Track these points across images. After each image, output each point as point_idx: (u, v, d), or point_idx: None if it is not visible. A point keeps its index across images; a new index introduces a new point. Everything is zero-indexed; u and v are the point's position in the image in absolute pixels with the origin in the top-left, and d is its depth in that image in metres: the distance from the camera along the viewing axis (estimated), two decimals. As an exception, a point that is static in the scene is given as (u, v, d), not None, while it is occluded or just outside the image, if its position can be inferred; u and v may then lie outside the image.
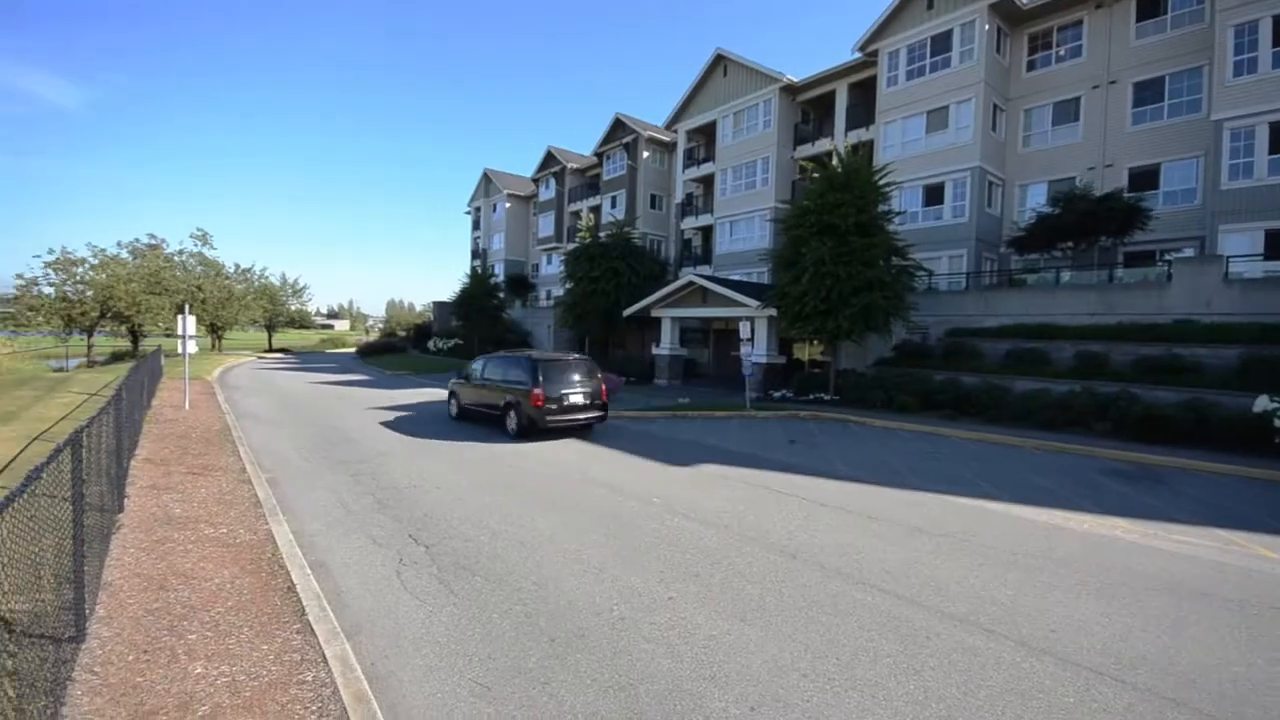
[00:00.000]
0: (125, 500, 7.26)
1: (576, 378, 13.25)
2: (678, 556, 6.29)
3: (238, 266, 48.92)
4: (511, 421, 13.09)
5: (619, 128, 39.84)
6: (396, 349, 48.23)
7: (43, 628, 3.63)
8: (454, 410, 15.71)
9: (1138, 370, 15.29)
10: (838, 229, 18.04)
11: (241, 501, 7.73)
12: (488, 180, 55.42)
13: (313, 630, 4.49)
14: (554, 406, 12.68)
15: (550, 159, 47.85)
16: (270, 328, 57.31)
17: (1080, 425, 14.25)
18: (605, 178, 41.46)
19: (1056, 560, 6.39)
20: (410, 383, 25.94)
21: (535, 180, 50.41)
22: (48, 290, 33.60)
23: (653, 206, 39.07)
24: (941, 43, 23.47)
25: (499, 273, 50.48)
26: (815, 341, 24.47)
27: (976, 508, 8.35)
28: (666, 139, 37.98)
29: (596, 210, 42.28)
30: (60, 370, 30.11)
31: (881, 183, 18.90)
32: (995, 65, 22.82)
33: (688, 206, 36.08)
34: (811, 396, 19.72)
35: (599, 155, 41.78)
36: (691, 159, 35.14)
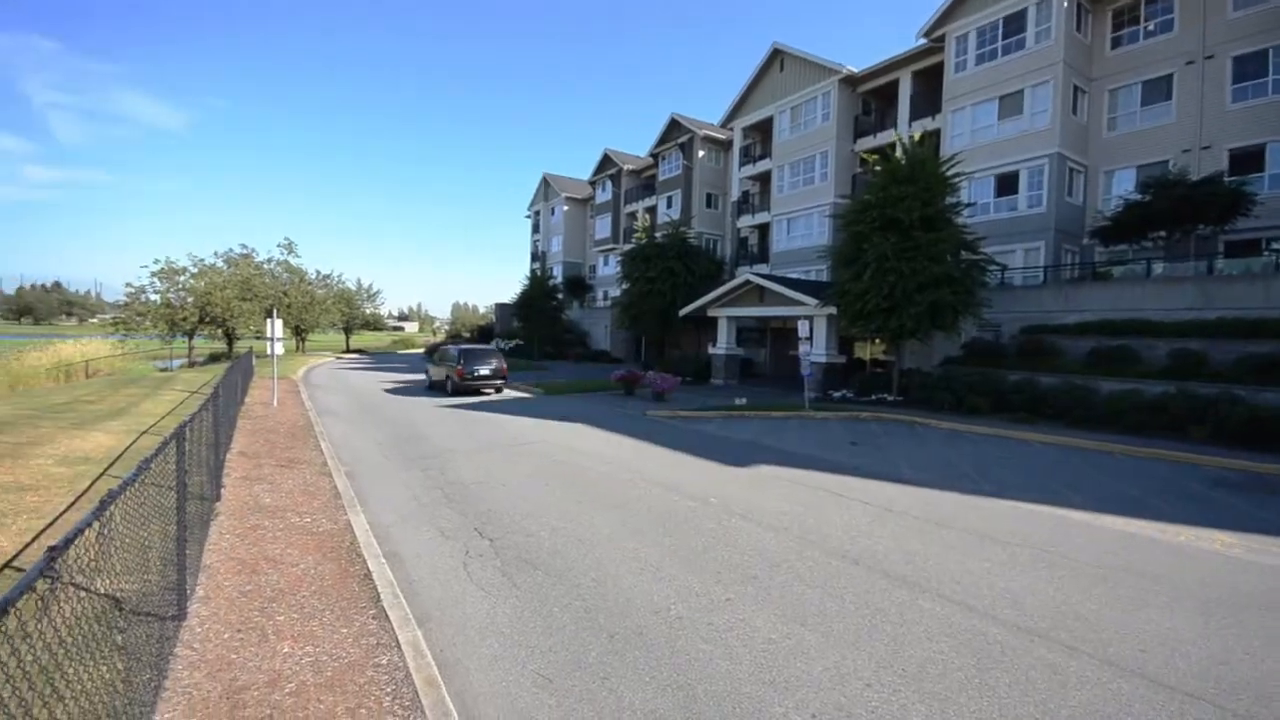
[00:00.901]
0: (222, 490, 7.87)
1: (486, 361, 21.32)
2: (735, 558, 6.25)
3: (319, 273, 51.99)
4: (448, 385, 21.15)
5: (674, 128, 39.83)
6: (462, 349, 49.70)
7: (149, 606, 3.99)
8: (428, 383, 23.49)
9: (1241, 369, 13.97)
10: (901, 223, 17.40)
11: (323, 493, 8.24)
12: (546, 184, 56.63)
13: (387, 616, 4.74)
14: (470, 376, 20.60)
15: (606, 161, 48.39)
16: (348, 330, 60.61)
17: (1175, 430, 13.18)
18: (661, 178, 41.54)
19: (1148, 574, 5.94)
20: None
21: (592, 183, 51.14)
22: (154, 297, 36.87)
23: (708, 206, 38.84)
24: (1015, 23, 22.21)
25: (557, 274, 51.44)
26: (877, 340, 23.69)
27: (1056, 516, 7.87)
28: (722, 137, 37.66)
29: (652, 211, 42.42)
30: (165, 370, 32.98)
31: (949, 174, 18.08)
32: (1075, 44, 21.39)
33: (744, 205, 35.65)
34: (874, 397, 19.10)
35: (654, 156, 41.90)
36: (747, 156, 34.70)
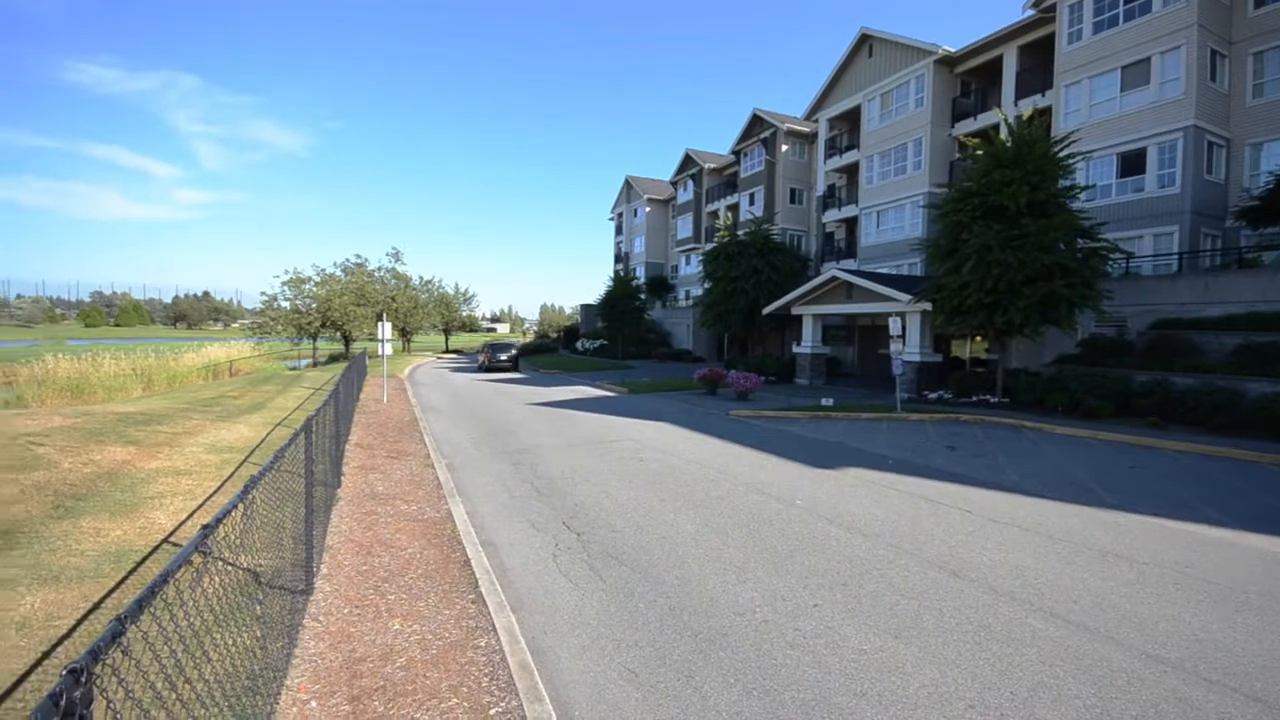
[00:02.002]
0: (342, 477, 8.65)
1: (505, 351, 33.51)
2: (823, 563, 6.08)
3: (421, 278, 55.80)
4: (482, 365, 33.31)
5: (756, 123, 39.12)
6: (549, 349, 51.85)
7: (282, 581, 4.46)
8: (477, 366, 34.82)
9: None
10: (1006, 210, 16.13)
11: (427, 483, 8.86)
12: (629, 187, 57.42)
13: (484, 601, 5.02)
14: (493, 360, 32.48)
15: (688, 161, 48.36)
16: (447, 331, 64.61)
17: (1349, 438, 11.38)
18: (743, 175, 40.95)
19: (1312, 604, 5.19)
20: (561, 380, 27.69)
21: (673, 183, 51.27)
22: (284, 304, 41.15)
23: (792, 201, 37.84)
24: (1141, -15, 19.99)
25: (640, 275, 52.02)
26: (978, 338, 22.12)
27: (1192, 534, 7.03)
28: (806, 130, 36.56)
29: (734, 209, 41.92)
30: (294, 369, 36.80)
31: (1063, 154, 16.57)
32: (1212, 3, 18.93)
33: (829, 198, 34.42)
34: (974, 398, 17.86)
35: (736, 153, 41.36)
36: (833, 148, 33.47)
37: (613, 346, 41.83)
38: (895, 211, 29.05)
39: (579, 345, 48.68)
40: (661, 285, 52.05)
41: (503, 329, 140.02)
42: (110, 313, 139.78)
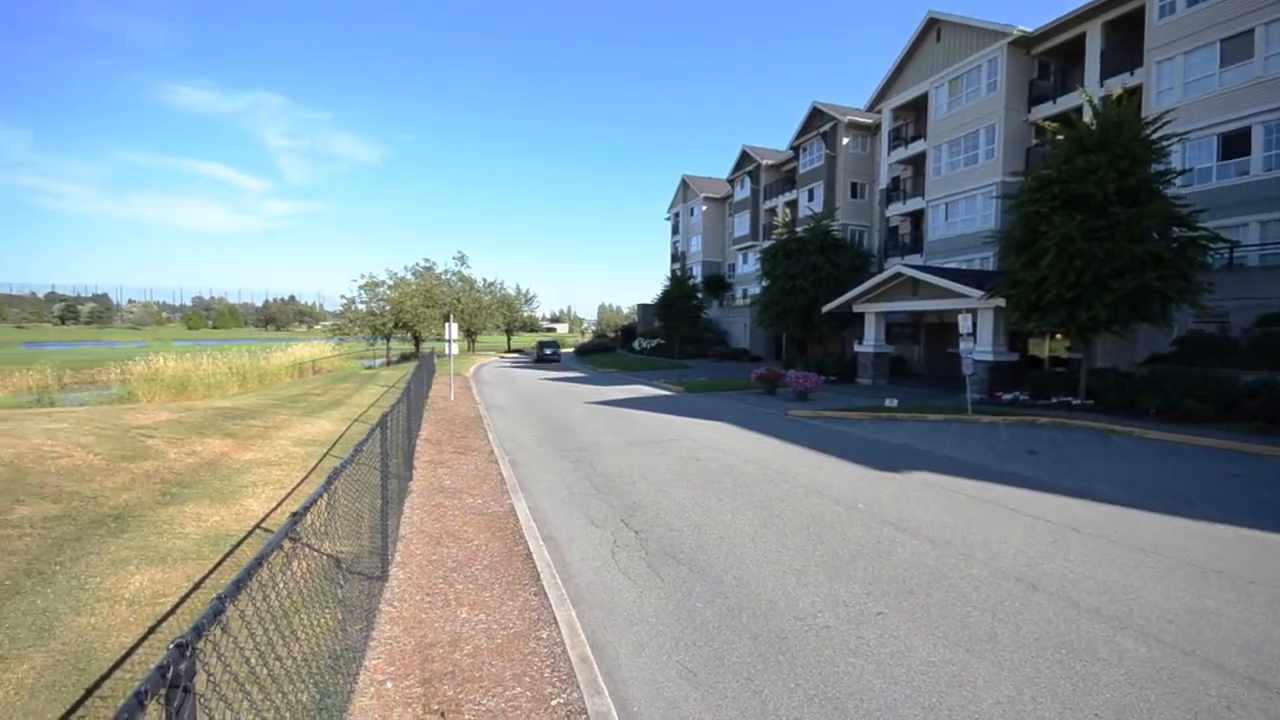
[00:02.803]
0: (413, 471, 9.08)
1: (550, 347, 41.49)
2: (887, 569, 5.89)
3: (485, 281, 57.73)
4: (535, 359, 41.93)
5: (816, 116, 38.19)
6: (607, 348, 52.55)
7: (360, 567, 4.73)
8: (531, 360, 41.51)
9: None
10: (1091, 199, 15.07)
11: (491, 478, 9.18)
12: (685, 186, 57.30)
13: (545, 594, 5.16)
14: (540, 354, 41.11)
15: (745, 158, 47.75)
16: (508, 331, 66.64)
17: None
18: (801, 170, 40.06)
19: None
20: (618, 380, 27.96)
21: (730, 181, 50.74)
22: (360, 307, 43.48)
23: (854, 195, 36.71)
24: (1248, -52, 18.21)
25: (697, 274, 51.89)
26: (1058, 336, 20.79)
27: (1312, 550, 6.37)
28: (868, 121, 35.38)
29: (793, 205, 41.09)
30: (369, 368, 38.84)
31: (1156, 136, 15.33)
32: (1341, -39, 17.03)
33: (894, 192, 33.17)
34: (1053, 400, 16.80)
35: (794, 148, 40.51)
36: (898, 139, 32.23)
37: (669, 346, 41.87)
38: (965, 203, 27.68)
39: (636, 345, 49.05)
40: (718, 284, 51.68)
41: (561, 329, 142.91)
42: (209, 316, 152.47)
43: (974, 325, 16.61)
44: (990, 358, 18.98)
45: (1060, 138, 16.42)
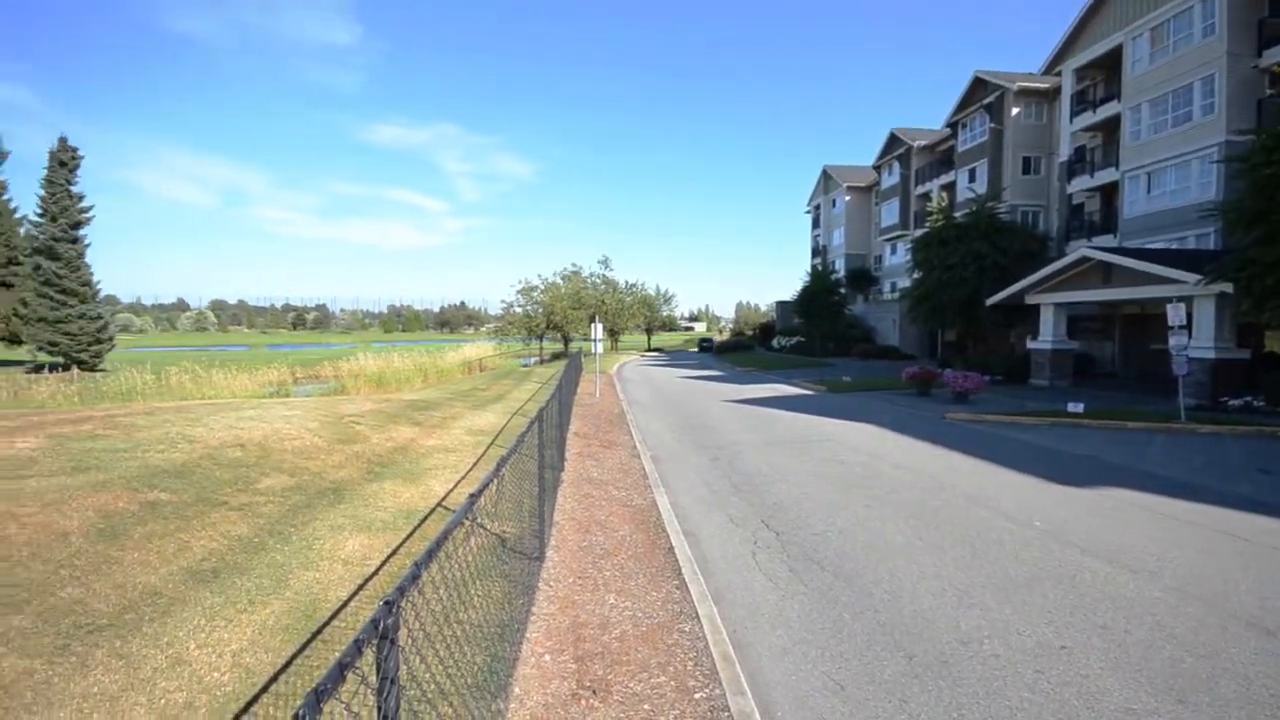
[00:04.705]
0: (565, 462, 9.76)
1: (708, 340, 57.36)
2: (1072, 598, 5.19)
3: (627, 282, 60.07)
4: (699, 349, 57.46)
5: (978, 87, 34.39)
6: (744, 347, 52.18)
7: (521, 548, 5.19)
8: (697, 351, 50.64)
9: None
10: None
11: (634, 472, 9.58)
12: (826, 177, 54.83)
13: (687, 589, 5.27)
14: (703, 346, 55.73)
15: (893, 141, 44.43)
16: (649, 331, 68.79)
17: None
18: (960, 149, 36.35)
19: None
20: (757, 378, 27.56)
21: (876, 167, 47.54)
22: (518, 310, 47.48)
23: (1025, 172, 32.52)
24: None
25: (839, 268, 49.51)
26: (1313, 328, 16.80)
27: None
28: (1044, 86, 31.11)
29: (950, 188, 37.48)
30: (525, 366, 42.41)
31: None
32: None
33: (1077, 164, 28.82)
34: (1306, 408, 13.61)
35: (952, 125, 36.87)
36: (1083, 103, 27.94)
37: (810, 343, 40.37)
38: (1175, 170, 23.28)
39: (775, 343, 48.01)
40: (863, 278, 48.80)
41: (699, 328, 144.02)
42: (400, 320, 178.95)
43: (1187, 316, 13.94)
44: (1211, 355, 15.83)
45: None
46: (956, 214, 27.84)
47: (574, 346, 48.13)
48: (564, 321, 46.31)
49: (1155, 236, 23.52)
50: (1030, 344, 22.52)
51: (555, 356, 48.77)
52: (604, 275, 53.95)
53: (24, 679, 3.54)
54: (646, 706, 3.71)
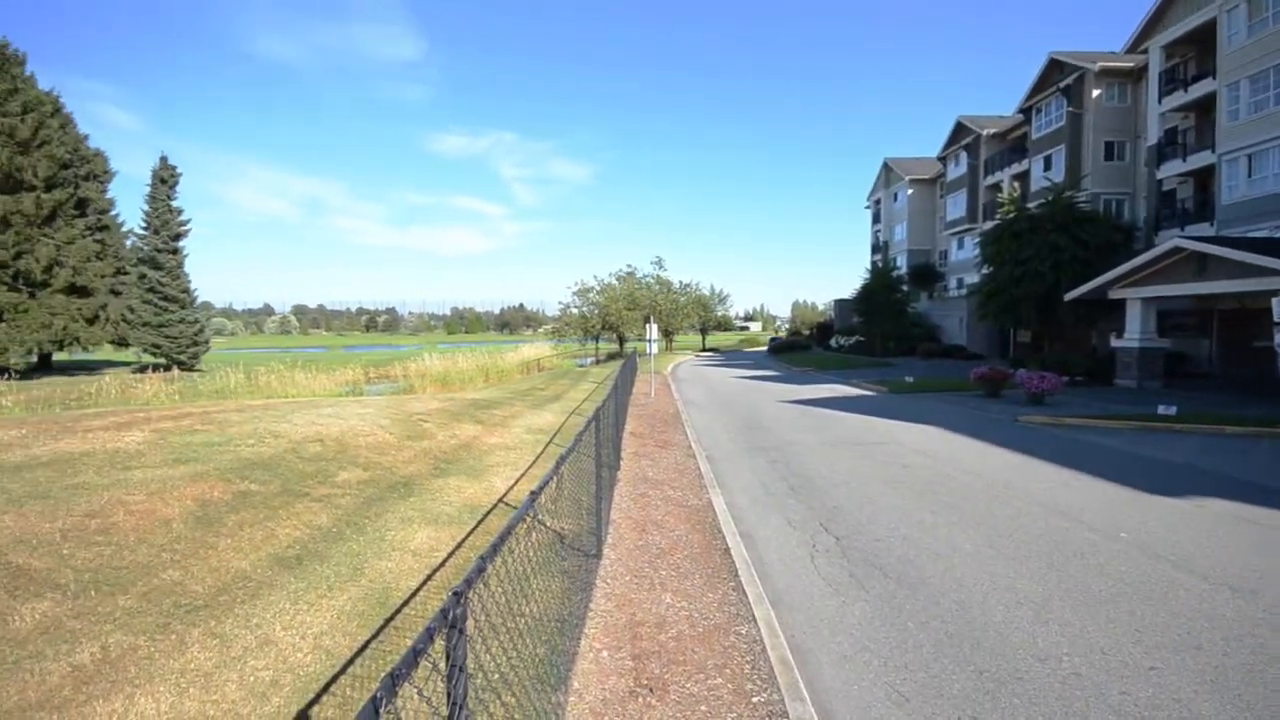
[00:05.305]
0: (620, 461, 9.87)
1: (778, 338, 57.91)
2: (1162, 616, 4.83)
3: (681, 283, 60.02)
4: (770, 351, 51.08)
5: (1054, 70, 32.39)
6: (801, 346, 51.23)
7: (579, 545, 5.28)
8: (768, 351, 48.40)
9: None
10: None
11: (690, 472, 9.56)
12: (887, 170, 53.01)
13: (744, 591, 5.23)
14: (773, 344, 54.66)
15: (960, 130, 42.44)
16: (703, 330, 68.53)
17: None
18: (1034, 136, 34.33)
19: None
20: (814, 379, 26.96)
21: (941, 159, 45.53)
22: (574, 311, 48.30)
23: (1108, 158, 30.37)
24: None
25: (901, 265, 47.80)
26: None
27: None
28: (1127, 65, 28.97)
29: (1022, 178, 35.49)
30: (581, 366, 43.19)
31: None
32: None
33: (1168, 147, 26.67)
34: None
35: (1025, 111, 34.88)
36: (1173, 81, 25.83)
37: (870, 343, 39.13)
38: (1283, 152, 21.20)
39: (833, 342, 46.88)
40: (927, 274, 46.89)
41: (754, 327, 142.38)
42: (462, 322, 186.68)
43: (1299, 312, 12.65)
44: (1328, 354, 14.31)
45: None
46: (1030, 205, 26.30)
47: (629, 347, 48.50)
48: (619, 322, 46.88)
49: (1258, 224, 21.47)
50: (1115, 342, 21.03)
51: (610, 357, 49.30)
52: (658, 275, 54.14)
53: (129, 654, 3.89)
54: (703, 708, 3.70)
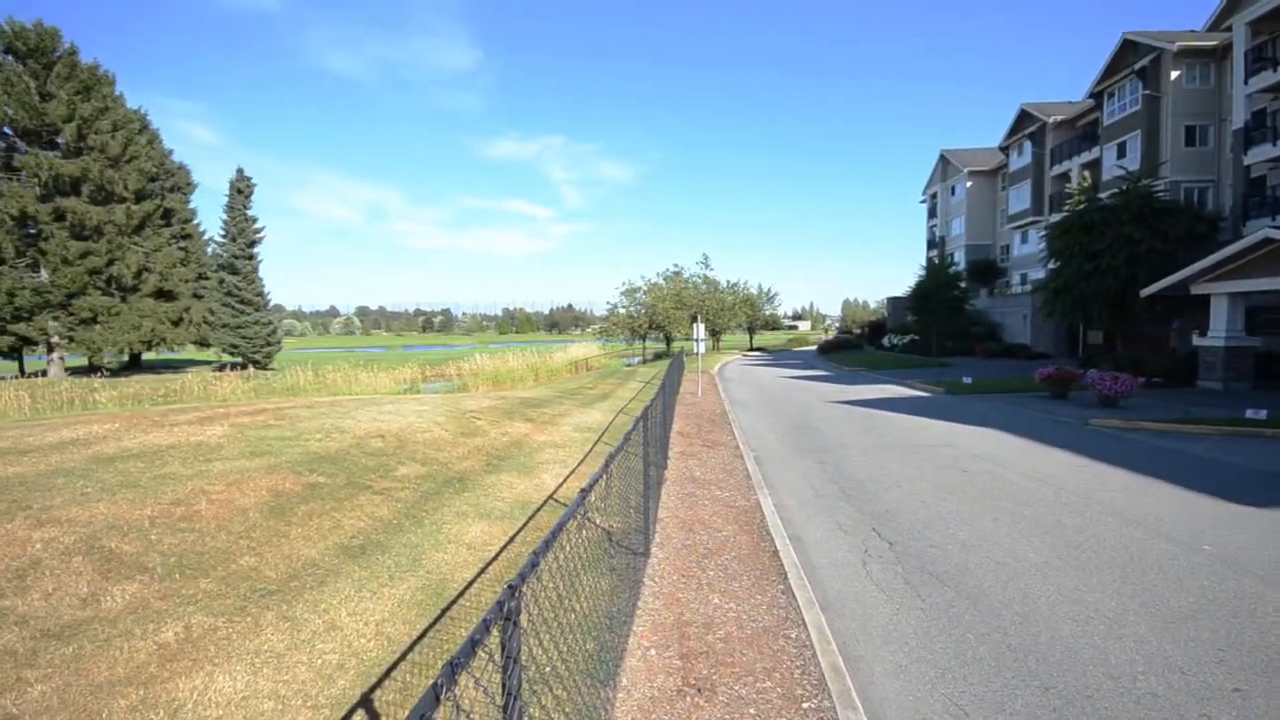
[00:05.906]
0: (668, 461, 9.90)
1: (835, 337, 53.24)
2: (1250, 635, 4.49)
3: (728, 282, 59.62)
4: (819, 351, 48.77)
5: (1127, 51, 30.41)
6: (852, 346, 50.00)
7: (627, 543, 5.34)
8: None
9: None
10: None
11: (737, 473, 9.49)
12: (945, 162, 51.01)
13: (793, 594, 5.16)
14: (825, 345, 49.41)
15: (1024, 119, 40.39)
16: (751, 330, 67.76)
17: None
18: (1106, 122, 32.33)
19: None
20: (865, 379, 26.26)
21: (1004, 149, 43.45)
22: (621, 311, 48.66)
23: (1189, 143, 28.30)
24: None
25: (959, 261, 45.95)
26: None
27: None
28: (1210, 43, 26.90)
29: (1093, 166, 33.48)
30: (629, 365, 43.35)
31: None
32: None
33: (1256, 130, 24.58)
34: None
35: (1096, 96, 32.89)
36: (1260, 59, 23.79)
37: (925, 341, 37.77)
38: (1400, 132, 19.25)
39: (886, 341, 45.52)
40: (987, 270, 44.90)
41: (803, 326, 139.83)
42: (513, 323, 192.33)
43: None
44: None
45: None
46: (1102, 195, 24.78)
47: (676, 346, 48.47)
48: (666, 321, 46.88)
49: (1370, 211, 19.58)
50: (1197, 340, 19.60)
51: (658, 356, 49.40)
52: (705, 274, 53.84)
53: (209, 635, 4.18)
54: (752, 711, 3.69)
